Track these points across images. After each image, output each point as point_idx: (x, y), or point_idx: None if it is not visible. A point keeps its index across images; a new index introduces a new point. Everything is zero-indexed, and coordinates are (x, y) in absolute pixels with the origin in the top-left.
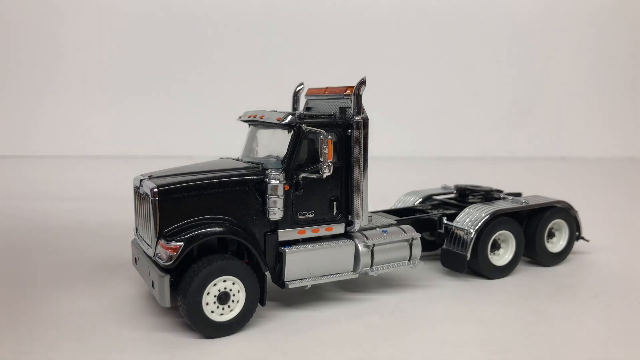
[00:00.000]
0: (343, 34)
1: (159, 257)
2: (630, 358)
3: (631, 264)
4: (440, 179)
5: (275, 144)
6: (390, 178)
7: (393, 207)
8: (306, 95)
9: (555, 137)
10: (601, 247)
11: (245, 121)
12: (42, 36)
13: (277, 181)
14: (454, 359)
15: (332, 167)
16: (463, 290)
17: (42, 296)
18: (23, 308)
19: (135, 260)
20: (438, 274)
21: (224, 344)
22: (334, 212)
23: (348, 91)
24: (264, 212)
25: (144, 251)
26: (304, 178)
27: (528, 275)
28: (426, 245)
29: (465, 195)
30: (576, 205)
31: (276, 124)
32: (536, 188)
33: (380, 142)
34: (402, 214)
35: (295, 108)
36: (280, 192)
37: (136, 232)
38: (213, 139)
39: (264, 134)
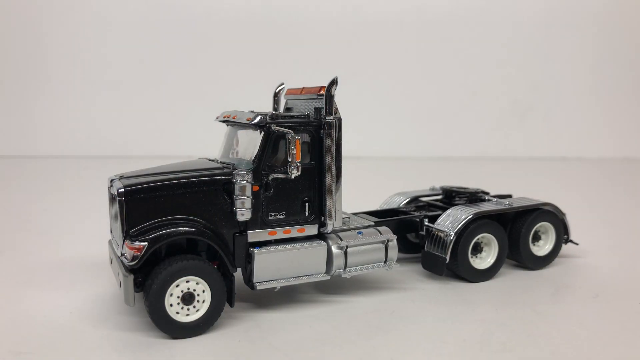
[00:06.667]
0: (343, 34)
1: (124, 257)
2: (630, 358)
3: (631, 264)
4: (438, 180)
5: (248, 144)
6: (389, 178)
7: (379, 208)
8: (285, 95)
9: (555, 137)
10: (601, 248)
11: (222, 121)
12: (41, 36)
13: (245, 182)
14: (454, 358)
15: (300, 168)
16: (463, 290)
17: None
18: None
19: (111, 260)
20: (437, 275)
21: (223, 343)
22: (306, 213)
23: (321, 91)
24: (233, 213)
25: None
26: (274, 179)
27: (528, 276)
28: (411, 247)
29: (451, 197)
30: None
31: (246, 124)
32: (536, 188)
33: (380, 142)
34: (386, 215)
35: (275, 108)
36: (248, 192)
37: (111, 232)
38: (213, 139)
39: (241, 134)
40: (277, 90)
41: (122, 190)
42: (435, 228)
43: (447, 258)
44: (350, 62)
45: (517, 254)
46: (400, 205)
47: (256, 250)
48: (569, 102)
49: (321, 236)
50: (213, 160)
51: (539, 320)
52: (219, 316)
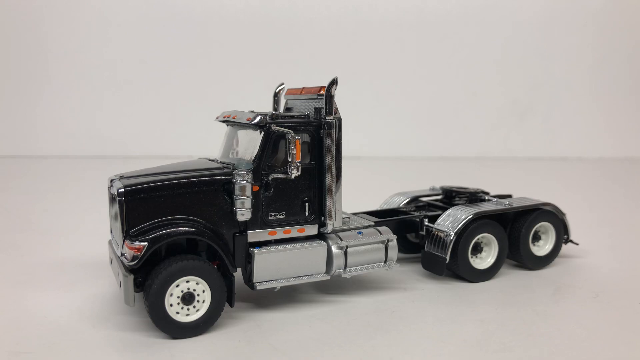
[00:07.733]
0: (343, 34)
1: (124, 257)
2: (630, 358)
3: (631, 264)
4: (438, 180)
5: (248, 144)
6: (389, 178)
7: (379, 208)
8: (285, 95)
9: (554, 137)
10: (601, 248)
11: (222, 121)
12: (42, 36)
13: (244, 182)
14: (453, 359)
15: (300, 168)
16: (463, 290)
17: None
18: None
19: (111, 260)
20: (437, 275)
21: (223, 343)
22: (307, 213)
23: (321, 91)
24: (233, 213)
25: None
26: (274, 179)
27: (527, 276)
28: (411, 247)
29: (451, 197)
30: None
31: (246, 124)
32: (536, 188)
33: (380, 142)
34: (386, 215)
35: (275, 108)
36: (248, 192)
37: (111, 232)
38: (213, 139)
39: (242, 134)
40: (277, 90)
41: (122, 190)
42: (435, 228)
43: (447, 258)
44: (350, 62)
45: (517, 254)
46: (400, 205)
47: (256, 250)
48: (568, 102)
49: (321, 236)
50: (213, 161)
51: (539, 320)
52: (219, 316)
